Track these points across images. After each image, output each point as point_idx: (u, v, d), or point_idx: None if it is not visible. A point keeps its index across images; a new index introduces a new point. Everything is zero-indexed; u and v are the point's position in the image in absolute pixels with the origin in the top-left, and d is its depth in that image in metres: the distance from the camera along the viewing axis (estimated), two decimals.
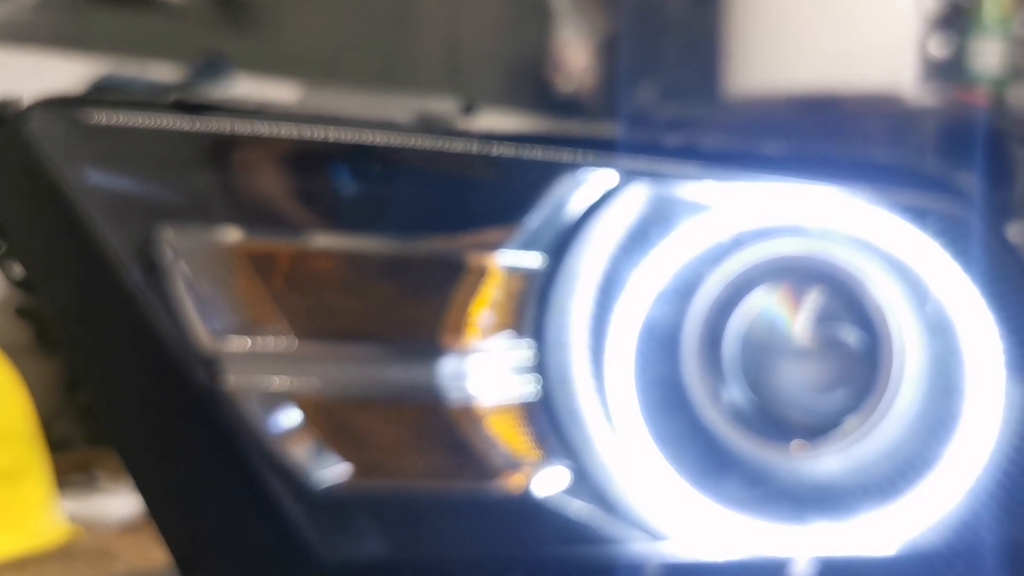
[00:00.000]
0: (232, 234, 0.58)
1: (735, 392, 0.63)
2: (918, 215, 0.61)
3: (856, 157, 0.62)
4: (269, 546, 0.58)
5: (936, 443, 0.64)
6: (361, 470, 0.60)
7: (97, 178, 0.56)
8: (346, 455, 0.60)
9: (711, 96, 2.41)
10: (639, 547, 0.63)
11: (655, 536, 0.64)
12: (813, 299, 0.63)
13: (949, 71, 2.40)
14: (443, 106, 0.76)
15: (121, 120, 0.57)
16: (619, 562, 0.62)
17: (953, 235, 0.61)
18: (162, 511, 0.58)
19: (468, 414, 0.60)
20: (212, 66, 0.90)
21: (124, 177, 0.57)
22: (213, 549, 0.58)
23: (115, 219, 0.56)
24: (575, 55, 2.32)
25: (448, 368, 0.59)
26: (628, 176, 0.62)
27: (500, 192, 0.60)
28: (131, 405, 0.57)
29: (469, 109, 0.76)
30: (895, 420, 0.64)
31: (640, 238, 0.65)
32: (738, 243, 0.64)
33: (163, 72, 0.96)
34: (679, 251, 0.65)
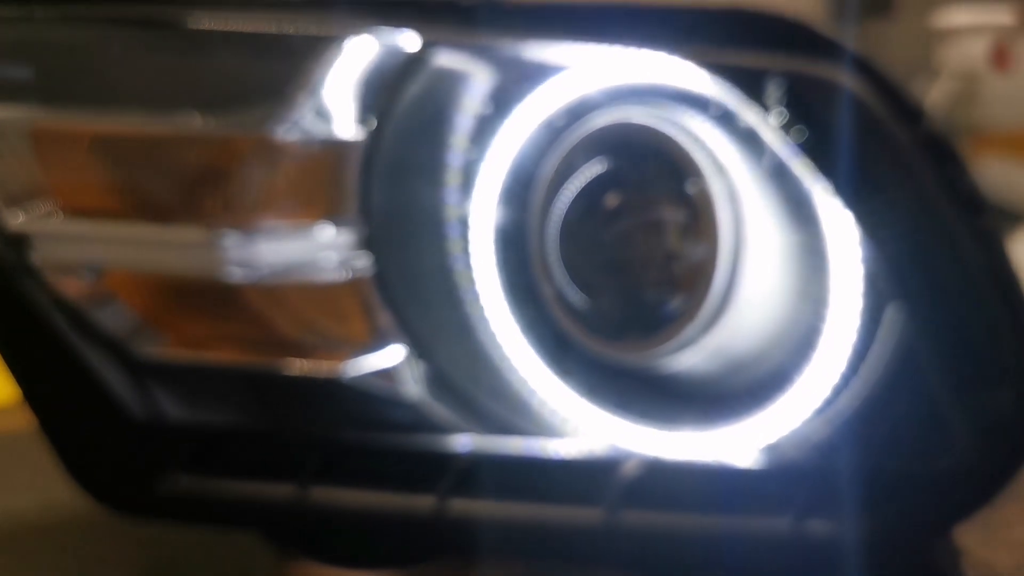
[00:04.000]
0: (30, 112, 0.59)
1: (560, 282, 0.57)
2: (755, 80, 0.49)
3: (691, 6, 0.50)
4: (95, 408, 0.62)
5: (799, 354, 0.54)
6: (176, 341, 0.61)
7: None
8: (159, 327, 0.61)
9: None
10: (469, 438, 0.60)
11: (499, 428, 0.60)
12: (638, 180, 0.54)
13: None
14: None
15: None
16: (441, 452, 0.60)
17: (806, 105, 0.49)
18: (16, 380, 0.63)
19: (272, 293, 0.59)
20: None
21: None
22: (53, 413, 0.63)
23: None
24: None
25: (237, 248, 0.57)
26: (430, 41, 0.55)
27: (281, 65, 0.55)
28: None
29: None
30: (749, 323, 0.55)
31: (480, 109, 0.59)
32: (565, 117, 0.56)
33: None
34: (518, 124, 0.58)
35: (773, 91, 0.49)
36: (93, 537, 0.96)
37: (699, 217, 0.52)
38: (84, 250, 0.59)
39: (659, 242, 0.53)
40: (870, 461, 0.53)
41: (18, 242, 0.59)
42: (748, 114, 0.51)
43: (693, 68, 0.51)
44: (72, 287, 0.60)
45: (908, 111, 0.49)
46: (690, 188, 0.52)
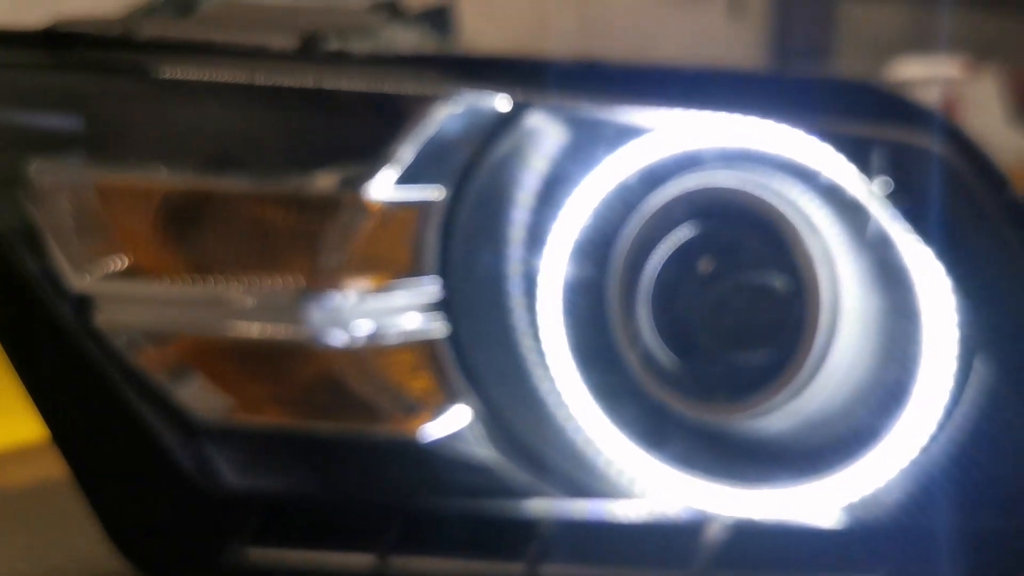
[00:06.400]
0: (99, 170, 0.57)
1: (651, 344, 0.57)
2: (859, 148, 0.51)
3: (791, 75, 0.52)
4: (152, 475, 0.60)
5: (885, 413, 0.56)
6: (241, 405, 0.60)
7: None
8: (225, 390, 0.60)
9: None
10: (549, 502, 0.59)
11: (574, 489, 0.60)
12: (734, 243, 0.55)
13: None
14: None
15: None
16: (522, 516, 0.59)
17: (904, 173, 0.51)
18: (60, 443, 0.60)
19: (350, 355, 0.58)
20: None
21: None
22: (104, 480, 0.61)
23: None
24: None
25: (320, 309, 0.56)
26: (522, 102, 0.55)
27: (371, 123, 0.55)
28: (10, 343, 0.59)
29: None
30: (836, 383, 0.56)
31: (551, 168, 0.59)
32: (651, 178, 0.56)
33: None
34: (597, 183, 0.59)
35: (877, 159, 0.51)
36: None
37: (800, 282, 0.53)
38: (153, 313, 0.58)
39: (760, 307, 0.54)
40: (957, 518, 0.55)
41: (82, 304, 0.57)
42: (848, 181, 0.53)
43: (792, 135, 0.53)
44: (137, 350, 0.58)
45: (995, 177, 0.52)
46: (792, 253, 0.53)
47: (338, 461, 0.61)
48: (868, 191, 0.52)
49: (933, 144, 0.51)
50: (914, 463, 0.56)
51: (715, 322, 0.55)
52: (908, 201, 0.51)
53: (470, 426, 0.61)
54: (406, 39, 0.67)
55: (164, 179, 0.56)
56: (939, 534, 0.55)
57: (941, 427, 0.55)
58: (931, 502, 0.56)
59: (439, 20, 0.93)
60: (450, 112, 0.55)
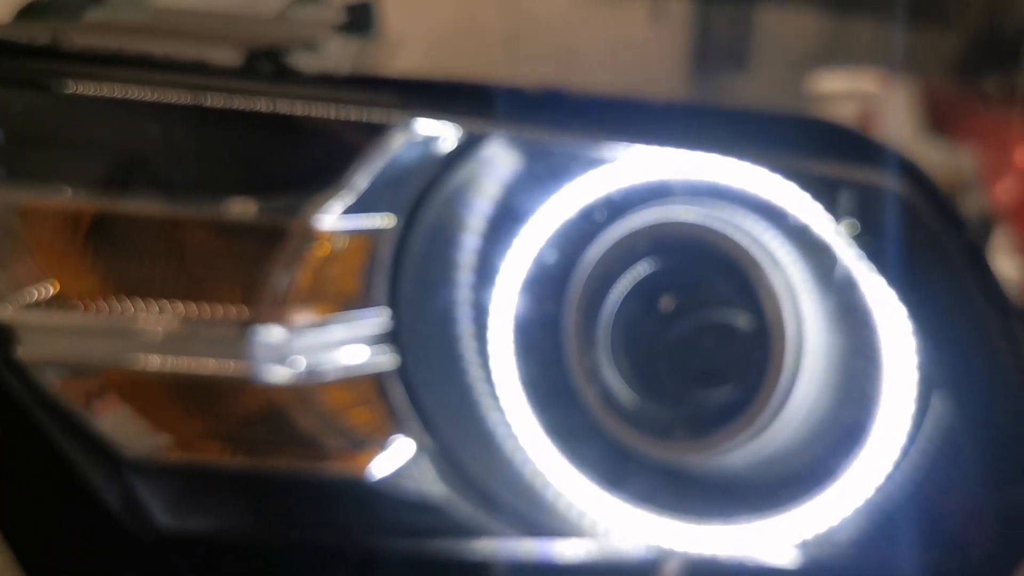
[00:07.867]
0: (21, 190, 0.53)
1: (610, 381, 0.56)
2: (824, 187, 0.51)
3: (761, 113, 0.51)
4: (76, 515, 0.56)
5: (843, 451, 0.56)
6: (174, 441, 0.57)
7: None
8: (157, 425, 0.56)
9: None
10: (501, 542, 0.58)
11: (526, 528, 0.59)
12: (697, 279, 0.54)
13: None
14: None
15: None
16: (473, 557, 0.57)
17: (869, 214, 0.51)
18: None
19: (294, 389, 0.56)
20: None
21: None
22: (24, 520, 0.57)
23: None
24: None
25: (264, 342, 0.53)
26: (481, 132, 0.53)
27: (323, 148, 0.52)
28: None
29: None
30: (796, 422, 0.56)
31: (506, 197, 0.57)
32: (610, 210, 0.55)
33: None
34: (553, 214, 0.57)
35: (845, 201, 0.50)
36: None
37: (764, 320, 0.53)
38: (80, 345, 0.54)
39: (724, 345, 0.53)
40: (912, 555, 0.56)
41: (3, 335, 0.53)
42: (813, 220, 0.53)
43: (756, 172, 0.52)
44: (62, 383, 0.54)
45: (955, 220, 0.52)
46: (756, 290, 0.52)
47: (279, 500, 0.58)
48: (835, 232, 0.52)
49: (897, 186, 0.51)
50: (870, 501, 0.56)
51: (677, 359, 0.55)
52: (873, 243, 0.51)
53: (419, 463, 0.59)
54: (349, 53, 0.64)
55: (95, 201, 0.53)
56: (893, 571, 0.56)
57: (897, 465, 0.56)
58: (886, 539, 0.56)
59: (362, 18, 0.90)
60: (407, 140, 0.53)
